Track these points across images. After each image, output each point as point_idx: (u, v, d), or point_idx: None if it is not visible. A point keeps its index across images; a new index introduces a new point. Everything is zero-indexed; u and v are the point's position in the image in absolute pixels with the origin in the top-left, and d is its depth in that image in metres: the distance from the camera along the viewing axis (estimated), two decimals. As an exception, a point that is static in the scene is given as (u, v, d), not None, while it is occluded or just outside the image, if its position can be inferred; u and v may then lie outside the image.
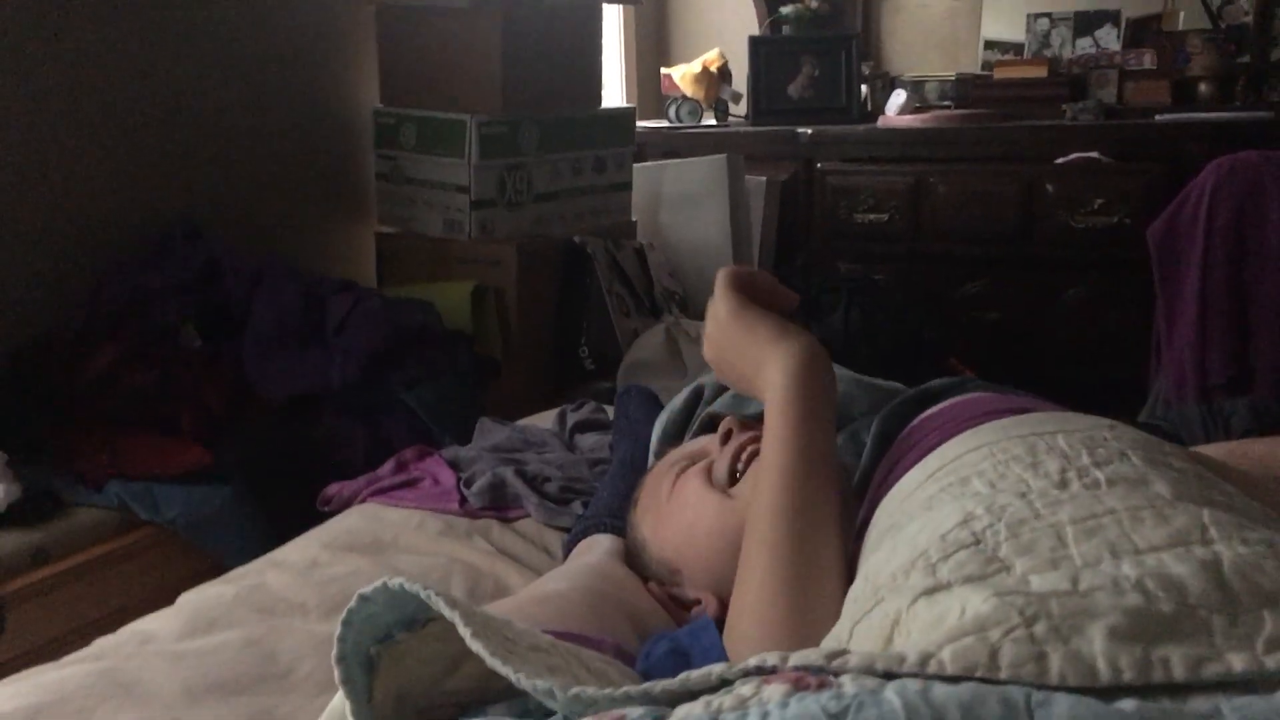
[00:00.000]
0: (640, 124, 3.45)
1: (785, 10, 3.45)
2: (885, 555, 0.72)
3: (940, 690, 0.49)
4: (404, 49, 2.67)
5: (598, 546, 1.18)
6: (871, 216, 3.02)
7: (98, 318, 1.99)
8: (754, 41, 3.40)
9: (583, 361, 2.71)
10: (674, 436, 1.31)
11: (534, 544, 1.34)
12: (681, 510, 1.06)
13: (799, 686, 0.54)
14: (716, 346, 0.97)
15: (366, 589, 0.65)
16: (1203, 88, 3.06)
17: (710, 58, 3.42)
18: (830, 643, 0.68)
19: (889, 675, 0.55)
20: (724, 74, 3.44)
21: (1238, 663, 0.54)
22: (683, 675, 0.58)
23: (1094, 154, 2.81)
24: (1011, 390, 1.11)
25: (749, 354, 0.94)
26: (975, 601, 0.60)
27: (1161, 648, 0.55)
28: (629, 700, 0.57)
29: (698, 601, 1.03)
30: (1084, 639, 0.55)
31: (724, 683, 0.57)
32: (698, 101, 3.42)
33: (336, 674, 0.62)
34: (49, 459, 1.77)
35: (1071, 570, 0.62)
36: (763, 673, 0.57)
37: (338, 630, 0.64)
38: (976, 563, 0.65)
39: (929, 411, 1.01)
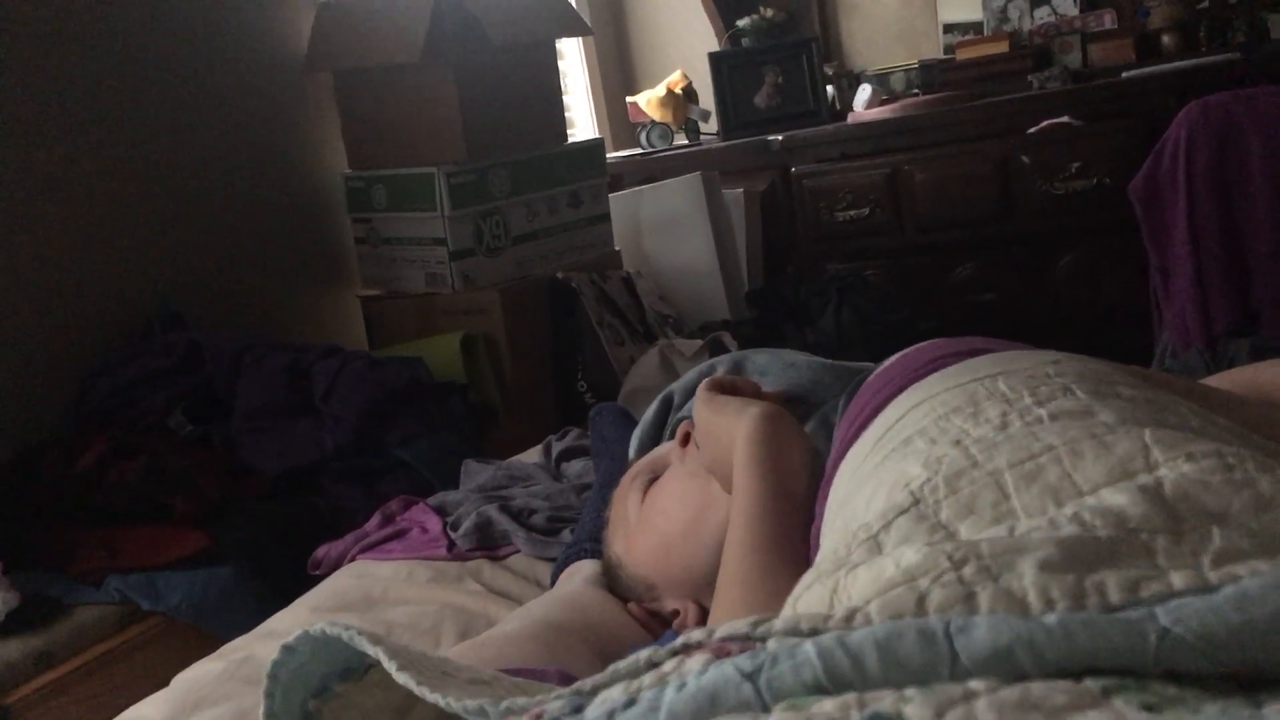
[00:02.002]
0: (614, 154, 3.46)
1: (742, 23, 3.46)
2: (832, 531, 0.70)
3: (857, 633, 0.47)
4: (365, 111, 2.68)
5: (579, 573, 1.16)
6: (853, 213, 3.00)
7: (85, 415, 1.99)
8: (714, 58, 3.40)
9: (582, 396, 2.69)
10: (650, 449, 1.29)
11: (526, 579, 1.32)
12: (654, 520, 1.04)
13: (720, 655, 0.52)
14: (702, 438, 1.03)
15: (290, 638, 0.62)
16: (1166, 39, 3.03)
17: (674, 79, 3.42)
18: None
19: (815, 632, 0.53)
20: (690, 94, 3.44)
21: (1180, 580, 0.51)
22: (611, 667, 0.56)
23: (1064, 119, 2.79)
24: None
25: (722, 433, 0.99)
26: (908, 554, 0.58)
27: (1097, 574, 0.52)
28: (558, 697, 0.55)
29: (677, 613, 1.01)
30: (1014, 574, 0.52)
31: (651, 665, 0.55)
32: (667, 125, 3.42)
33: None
34: (46, 562, 1.76)
35: (1011, 524, 0.60)
36: (689, 649, 0.55)
37: (264, 685, 0.62)
38: (920, 530, 0.62)
39: (875, 369, 0.99)
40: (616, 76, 3.75)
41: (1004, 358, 0.85)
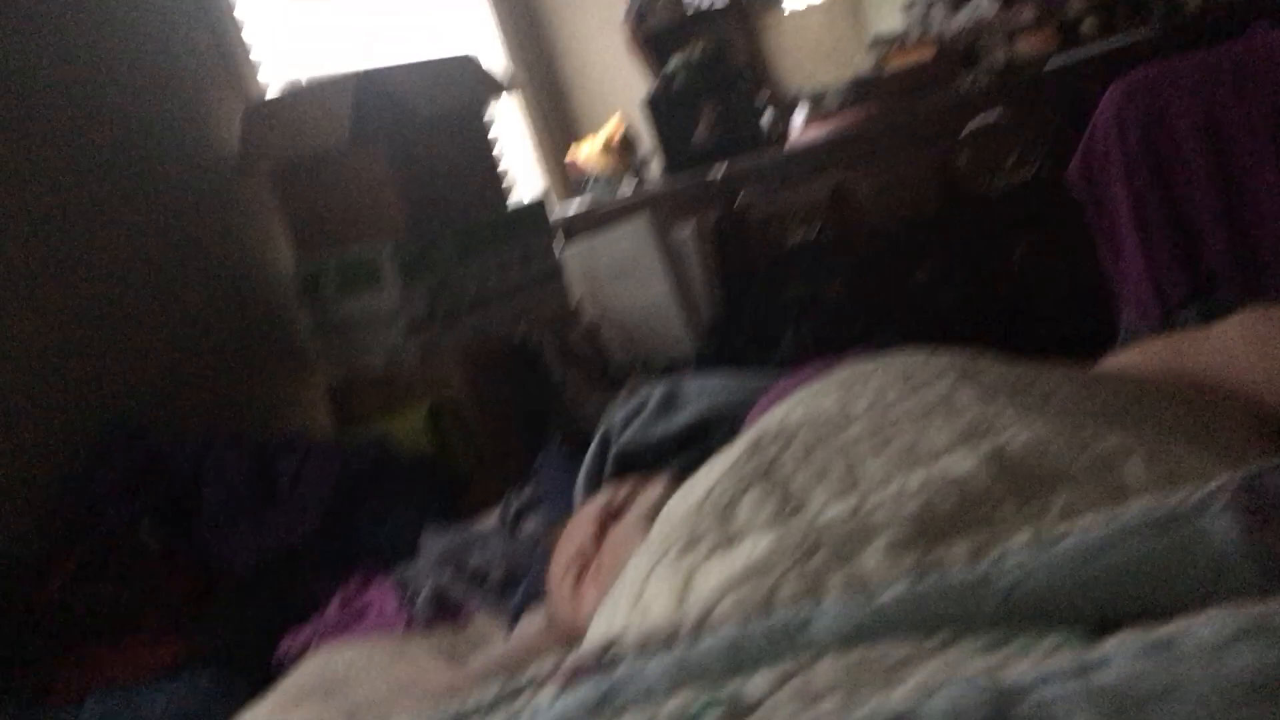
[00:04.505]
0: (563, 207, 3.48)
1: (671, 65, 3.49)
2: (678, 496, 0.70)
3: (706, 643, 0.47)
4: (305, 201, 2.70)
5: (534, 621, 1.15)
6: (801, 234, 3.01)
7: (49, 538, 1.99)
8: (650, 103, 3.43)
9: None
10: (594, 487, 1.29)
11: (485, 643, 1.31)
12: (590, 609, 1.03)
13: (570, 684, 0.52)
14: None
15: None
16: (1086, 24, 3.06)
17: (612, 129, 3.45)
18: (626, 590, 0.64)
19: (665, 648, 0.52)
20: (629, 141, 3.47)
21: (1019, 540, 0.51)
22: (459, 700, 0.55)
23: (993, 113, 2.81)
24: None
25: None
26: (758, 545, 0.58)
27: (942, 546, 0.52)
28: None
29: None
30: (862, 559, 0.53)
31: (499, 702, 0.55)
32: (609, 177, 3.44)
33: None
34: (24, 692, 1.75)
35: (859, 495, 0.60)
36: (539, 682, 0.55)
37: None
38: (772, 502, 0.63)
39: (776, 384, 1.00)
40: (557, 127, 3.78)
41: (886, 358, 0.86)
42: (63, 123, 2.36)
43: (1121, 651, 0.34)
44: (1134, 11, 3.00)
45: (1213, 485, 0.39)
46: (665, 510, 0.72)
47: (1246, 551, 0.35)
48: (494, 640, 1.32)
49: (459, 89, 2.73)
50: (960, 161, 2.82)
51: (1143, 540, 0.37)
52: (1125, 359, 1.01)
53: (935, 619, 0.44)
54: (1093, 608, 0.41)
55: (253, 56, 2.84)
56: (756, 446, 0.67)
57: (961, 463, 0.58)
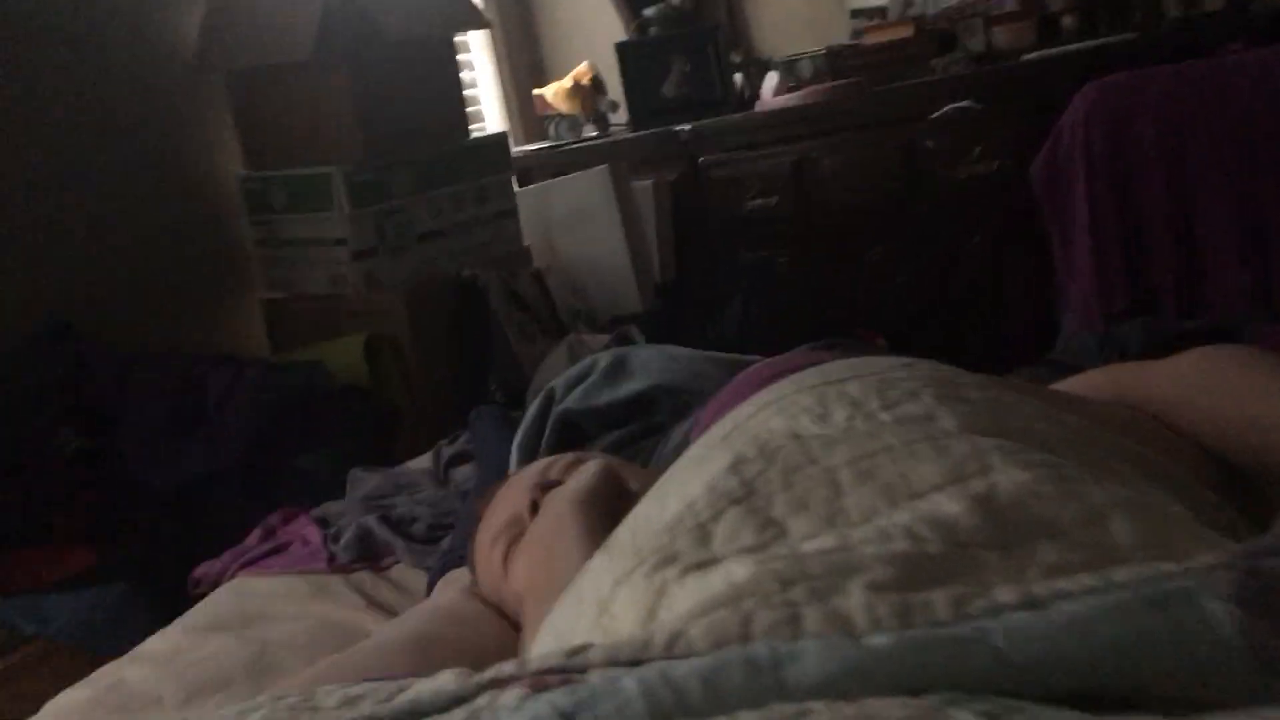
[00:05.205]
0: (523, 148, 3.42)
1: (648, 12, 3.43)
2: (652, 505, 0.68)
3: (681, 665, 0.45)
4: (260, 112, 2.62)
5: (455, 583, 1.13)
6: (760, 201, 3.00)
7: (-36, 435, 1.92)
8: (621, 48, 3.38)
9: (492, 395, 2.66)
10: (532, 449, 1.27)
11: (407, 591, 1.30)
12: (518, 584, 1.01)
13: (537, 688, 0.50)
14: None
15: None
16: (1067, 21, 3.06)
17: (580, 71, 3.39)
18: (589, 598, 0.62)
19: (636, 662, 0.51)
20: (598, 85, 3.41)
21: (1005, 594, 0.50)
22: (412, 691, 0.53)
23: (965, 103, 2.80)
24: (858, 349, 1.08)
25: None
26: (737, 571, 0.56)
27: (926, 592, 0.51)
28: None
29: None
30: (843, 595, 0.51)
31: (457, 701, 0.53)
32: (575, 117, 3.39)
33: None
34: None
35: (844, 527, 0.58)
36: (500, 683, 0.53)
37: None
38: (750, 528, 0.61)
39: (742, 374, 0.98)
40: (524, 69, 3.71)
41: (859, 363, 0.84)
42: (11, 2, 2.25)
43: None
44: (1115, 14, 3.01)
45: (1210, 562, 0.38)
46: (634, 517, 0.70)
47: (1245, 644, 0.34)
48: (413, 590, 1.30)
49: (433, 16, 2.66)
50: (926, 145, 2.82)
51: (1141, 617, 0.36)
52: (1080, 383, 1.00)
53: (924, 673, 0.42)
54: (1085, 681, 0.40)
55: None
56: (736, 465, 0.65)
57: (949, 504, 0.56)
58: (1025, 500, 0.56)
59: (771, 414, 0.78)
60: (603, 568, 0.63)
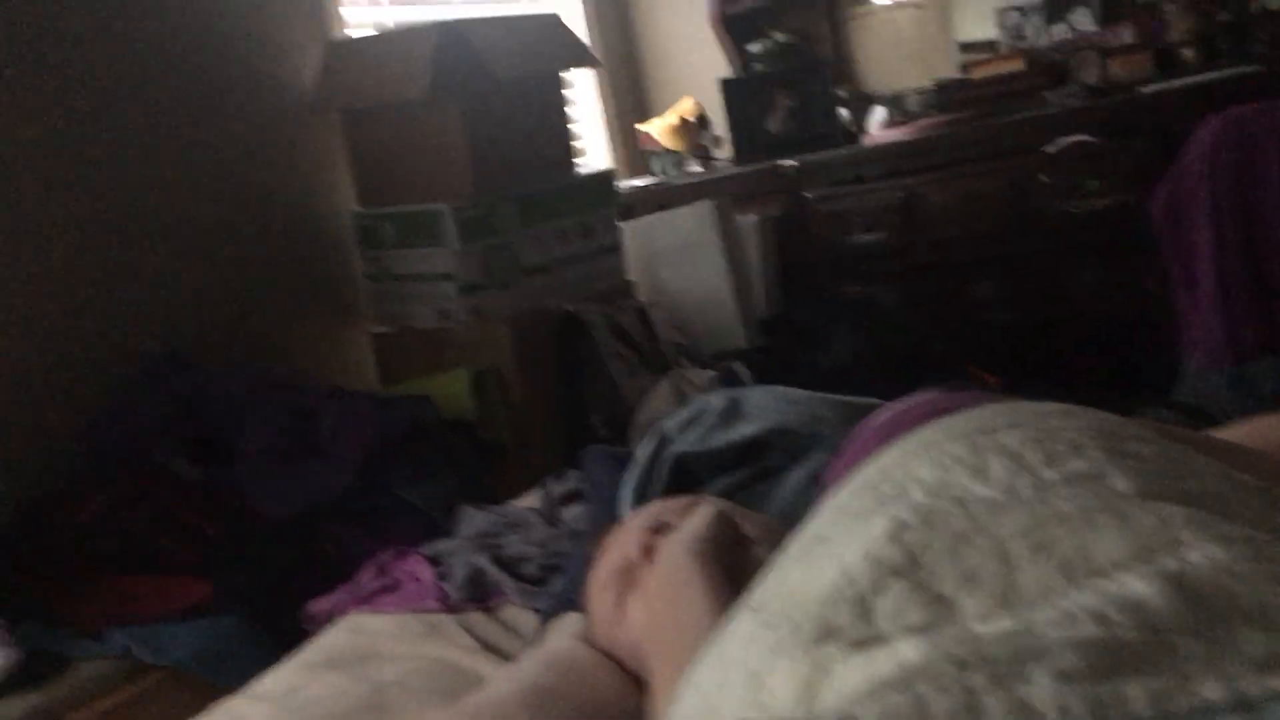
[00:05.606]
0: (628, 183, 3.43)
1: (753, 48, 3.43)
2: (807, 570, 0.64)
3: None
4: (373, 149, 2.68)
5: (568, 628, 1.12)
6: (867, 237, 2.96)
7: (89, 463, 1.98)
8: (725, 83, 3.38)
9: (595, 429, 2.66)
10: (645, 492, 1.26)
11: (517, 633, 1.29)
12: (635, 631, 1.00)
13: None
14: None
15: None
16: (1186, 52, 2.97)
17: (684, 106, 3.39)
18: (739, 667, 0.59)
19: None
20: (702, 121, 3.41)
21: (1211, 691, 0.46)
22: None
23: (1083, 137, 2.73)
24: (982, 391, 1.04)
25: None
26: (906, 651, 0.52)
27: (1120, 684, 0.46)
28: None
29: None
30: (1027, 683, 0.47)
31: None
32: (679, 153, 3.39)
33: None
34: (48, 616, 1.74)
35: (1020, 607, 0.54)
36: None
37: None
38: (916, 605, 0.57)
39: (874, 417, 0.95)
40: (629, 105, 3.73)
41: (1009, 408, 0.80)
42: (134, 41, 2.33)
43: None
44: (1237, 43, 2.91)
45: None
46: (781, 579, 0.67)
47: None
48: (524, 632, 1.29)
49: (542, 55, 2.69)
50: (1040, 179, 2.75)
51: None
52: (1244, 432, 0.95)
53: None
54: None
55: (336, -4, 2.81)
56: (896, 532, 0.62)
57: (1137, 584, 0.51)
58: (1223, 581, 0.51)
59: (921, 463, 0.74)
60: (752, 634, 0.61)
